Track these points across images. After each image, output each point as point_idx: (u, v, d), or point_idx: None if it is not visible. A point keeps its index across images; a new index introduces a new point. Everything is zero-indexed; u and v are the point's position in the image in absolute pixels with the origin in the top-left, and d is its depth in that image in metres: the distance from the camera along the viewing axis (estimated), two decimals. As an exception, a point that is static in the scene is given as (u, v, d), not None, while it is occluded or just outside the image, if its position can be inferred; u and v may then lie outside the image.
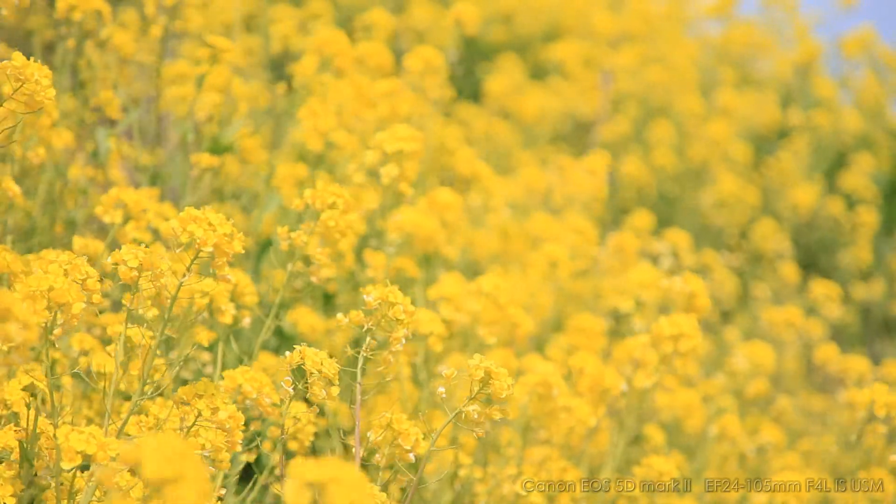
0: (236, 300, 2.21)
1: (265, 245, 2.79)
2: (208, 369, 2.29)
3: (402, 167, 2.07)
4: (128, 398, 2.02)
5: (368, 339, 1.93)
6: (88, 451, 1.47)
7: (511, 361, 2.37)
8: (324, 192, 1.94)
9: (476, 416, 1.95)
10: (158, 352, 1.81)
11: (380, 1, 4.42)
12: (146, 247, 1.74)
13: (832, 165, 5.50)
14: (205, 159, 2.78)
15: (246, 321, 2.18)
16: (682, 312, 2.43)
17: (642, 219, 4.18)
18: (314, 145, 2.54)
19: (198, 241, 1.68)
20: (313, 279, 2.07)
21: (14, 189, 2.33)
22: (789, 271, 4.65)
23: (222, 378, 1.95)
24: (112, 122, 2.93)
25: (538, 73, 5.12)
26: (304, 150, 2.70)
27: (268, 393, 1.96)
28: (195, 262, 1.70)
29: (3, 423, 1.78)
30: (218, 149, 2.83)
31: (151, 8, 2.80)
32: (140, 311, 1.83)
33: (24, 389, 1.75)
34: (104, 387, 1.85)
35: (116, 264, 1.70)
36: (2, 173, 2.35)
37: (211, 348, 2.25)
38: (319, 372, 1.84)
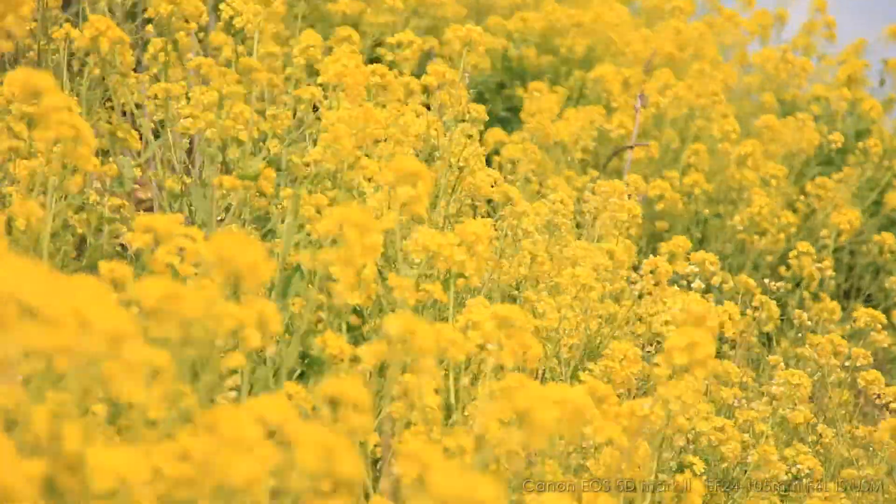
0: (262, 327, 2.17)
1: (292, 272, 2.75)
2: (231, 394, 2.24)
3: (416, 188, 2.03)
4: (154, 424, 1.97)
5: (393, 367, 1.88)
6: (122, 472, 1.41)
7: (534, 387, 2.31)
8: (342, 213, 1.89)
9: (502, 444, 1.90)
10: (184, 378, 1.77)
11: (413, 23, 4.42)
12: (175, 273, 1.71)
13: (876, 189, 5.42)
14: (227, 183, 2.75)
15: (271, 349, 2.14)
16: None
17: (677, 242, 4.13)
18: (330, 167, 2.51)
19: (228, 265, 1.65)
20: (337, 301, 2.02)
21: (37, 213, 2.30)
22: (832, 297, 4.57)
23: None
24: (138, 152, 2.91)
25: (575, 95, 5.09)
26: (323, 173, 2.67)
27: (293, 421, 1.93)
28: (223, 287, 1.67)
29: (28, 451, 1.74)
30: (245, 177, 2.80)
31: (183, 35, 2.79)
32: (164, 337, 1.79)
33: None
34: (130, 413, 1.81)
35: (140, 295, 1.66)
36: (28, 197, 2.32)
37: (234, 372, 2.21)
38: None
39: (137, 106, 2.92)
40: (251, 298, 1.68)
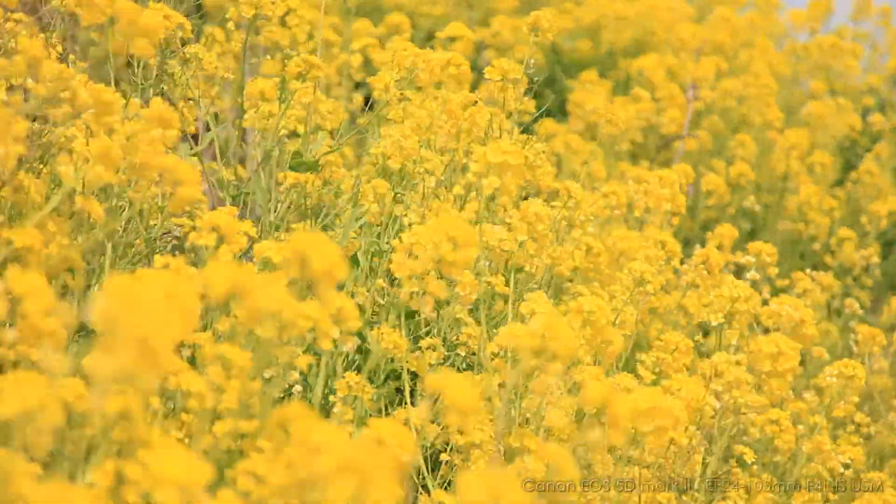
0: (340, 324, 2.19)
1: (349, 263, 2.77)
2: (297, 388, 2.28)
3: (503, 180, 2.03)
4: (218, 418, 1.99)
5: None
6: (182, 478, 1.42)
7: (603, 379, 2.33)
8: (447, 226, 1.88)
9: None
10: (253, 373, 1.79)
11: (465, 15, 4.42)
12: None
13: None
14: (290, 177, 2.77)
15: (349, 345, 2.16)
16: (787, 338, 2.37)
17: (725, 232, 4.13)
18: (395, 160, 2.52)
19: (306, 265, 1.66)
20: (425, 311, 2.03)
21: (97, 210, 2.33)
22: (878, 284, 4.56)
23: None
24: (194, 139, 2.93)
25: (623, 86, 5.09)
26: (385, 165, 2.68)
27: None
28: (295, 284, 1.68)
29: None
30: (302, 166, 2.82)
31: (232, 24, 2.80)
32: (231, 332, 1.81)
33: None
34: (193, 408, 1.83)
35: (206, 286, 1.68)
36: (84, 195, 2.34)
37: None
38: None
39: (190, 99, 2.94)
40: (328, 294, 1.69)
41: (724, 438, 2.49)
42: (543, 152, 2.69)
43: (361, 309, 2.67)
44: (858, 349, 3.79)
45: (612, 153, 4.48)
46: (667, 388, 2.39)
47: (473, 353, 2.55)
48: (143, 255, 2.67)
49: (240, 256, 2.67)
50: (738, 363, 2.39)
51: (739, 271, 3.70)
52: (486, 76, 2.83)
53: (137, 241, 2.67)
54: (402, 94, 2.79)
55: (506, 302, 2.50)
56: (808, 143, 5.01)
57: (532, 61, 2.83)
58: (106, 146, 1.90)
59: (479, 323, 2.53)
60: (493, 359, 2.17)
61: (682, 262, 3.40)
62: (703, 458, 2.54)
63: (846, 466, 3.02)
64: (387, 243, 2.65)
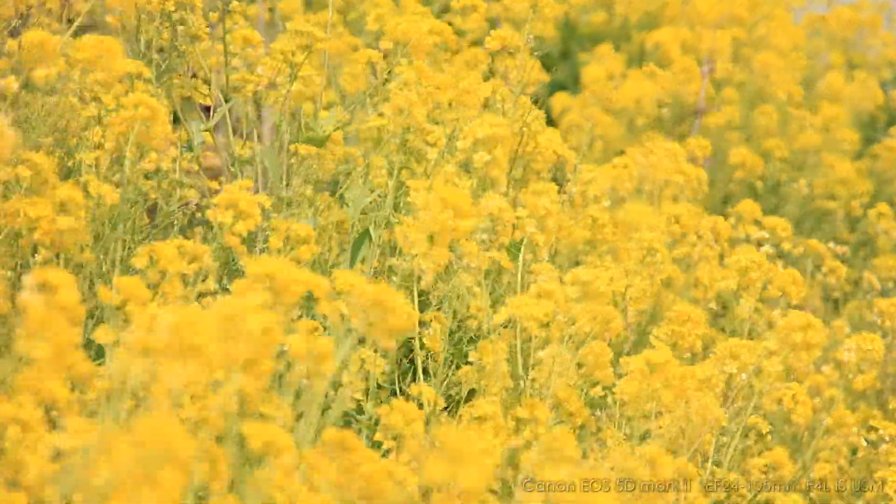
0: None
1: (361, 237, 2.77)
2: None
3: (492, 153, 2.04)
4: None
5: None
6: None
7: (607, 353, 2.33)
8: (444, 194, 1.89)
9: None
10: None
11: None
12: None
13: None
14: (303, 150, 2.77)
15: (356, 321, 2.16)
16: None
17: (745, 206, 4.11)
18: (396, 126, 2.52)
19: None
20: (425, 282, 2.04)
21: (104, 191, 2.33)
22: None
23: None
24: (206, 112, 2.93)
25: (638, 60, 5.06)
26: (386, 139, 2.68)
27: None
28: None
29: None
30: (314, 139, 2.81)
31: None
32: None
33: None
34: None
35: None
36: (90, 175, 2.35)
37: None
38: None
39: (199, 76, 2.93)
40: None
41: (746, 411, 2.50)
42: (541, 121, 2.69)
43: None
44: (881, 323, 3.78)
45: (627, 127, 4.46)
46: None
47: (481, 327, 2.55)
48: (160, 227, 2.69)
49: (256, 229, 2.68)
50: (760, 340, 2.40)
51: (756, 246, 3.68)
52: (486, 45, 2.83)
53: (157, 214, 2.69)
54: (398, 63, 2.78)
55: (513, 275, 2.50)
56: (833, 117, 4.98)
57: (531, 36, 2.83)
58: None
59: (488, 294, 2.53)
60: (498, 331, 2.18)
61: (700, 237, 3.39)
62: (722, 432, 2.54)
63: (870, 442, 3.01)
64: (396, 217, 2.65)
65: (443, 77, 2.58)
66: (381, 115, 2.64)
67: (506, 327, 2.36)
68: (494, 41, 2.86)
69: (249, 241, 2.59)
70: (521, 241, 2.43)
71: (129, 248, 2.36)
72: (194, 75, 2.82)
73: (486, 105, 2.73)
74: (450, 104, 2.60)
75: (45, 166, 2.22)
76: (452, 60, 2.76)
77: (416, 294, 2.56)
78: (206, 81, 2.91)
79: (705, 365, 2.53)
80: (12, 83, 2.07)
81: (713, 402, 2.38)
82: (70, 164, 2.44)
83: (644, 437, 2.42)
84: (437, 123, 2.55)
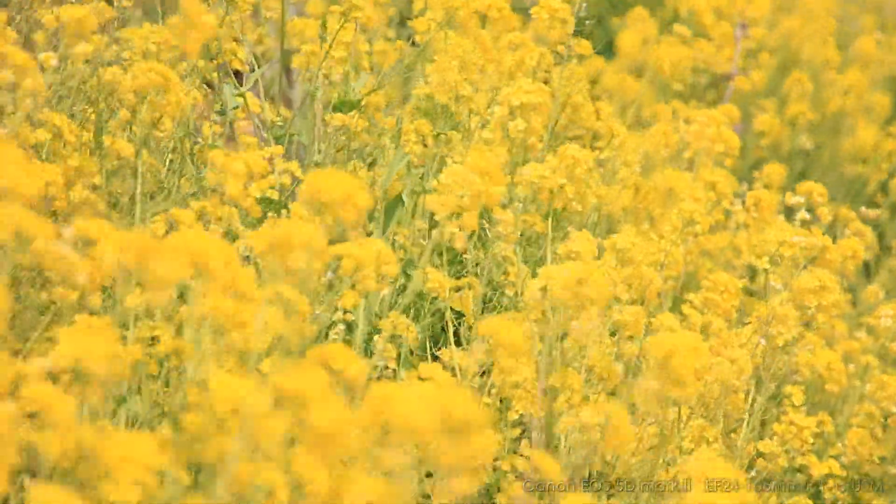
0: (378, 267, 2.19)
1: (394, 203, 2.76)
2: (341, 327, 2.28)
3: (529, 121, 2.02)
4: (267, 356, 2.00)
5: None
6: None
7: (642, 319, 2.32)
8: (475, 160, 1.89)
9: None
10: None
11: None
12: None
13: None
14: (336, 118, 2.77)
15: (385, 290, 2.17)
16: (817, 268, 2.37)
17: (777, 173, 4.08)
18: (442, 99, 2.51)
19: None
20: (458, 246, 2.03)
21: (129, 151, 2.33)
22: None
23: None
24: (238, 79, 2.93)
25: (670, 25, 5.03)
26: (429, 106, 2.66)
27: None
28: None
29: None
30: (346, 106, 2.81)
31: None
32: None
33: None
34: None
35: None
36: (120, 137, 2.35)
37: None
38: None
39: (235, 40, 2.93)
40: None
41: (770, 378, 2.49)
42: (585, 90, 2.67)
43: (405, 250, 2.67)
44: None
45: (661, 93, 4.43)
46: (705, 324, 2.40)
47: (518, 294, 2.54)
48: (182, 196, 2.68)
49: (287, 196, 2.68)
50: (782, 303, 2.38)
51: (791, 213, 3.66)
52: (533, 15, 2.80)
53: (184, 181, 2.68)
54: (444, 34, 2.77)
55: (550, 242, 2.49)
56: (865, 82, 4.94)
57: (584, 5, 2.81)
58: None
59: (524, 262, 2.53)
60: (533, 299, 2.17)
61: (732, 204, 3.38)
62: (752, 399, 2.54)
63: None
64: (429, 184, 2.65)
65: (486, 45, 2.56)
66: (427, 83, 2.63)
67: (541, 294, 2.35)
68: (543, 10, 2.83)
69: (279, 206, 2.60)
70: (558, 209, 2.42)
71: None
72: (235, 40, 2.82)
73: (534, 75, 2.72)
74: (500, 73, 2.58)
75: (66, 129, 2.23)
76: (493, 28, 2.74)
77: (446, 260, 2.56)
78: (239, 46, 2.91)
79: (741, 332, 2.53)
80: (51, 58, 2.08)
81: (745, 361, 2.38)
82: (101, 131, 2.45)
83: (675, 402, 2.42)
84: (477, 91, 2.54)
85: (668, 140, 3.32)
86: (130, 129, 2.37)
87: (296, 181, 2.65)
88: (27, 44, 2.48)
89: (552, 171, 2.31)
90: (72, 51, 2.03)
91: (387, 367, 2.12)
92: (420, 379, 1.88)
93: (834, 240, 3.08)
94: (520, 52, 2.78)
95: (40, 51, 2.18)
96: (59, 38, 2.10)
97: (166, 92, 2.26)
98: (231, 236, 2.18)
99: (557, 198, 2.35)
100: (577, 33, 2.89)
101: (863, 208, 4.24)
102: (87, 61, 2.19)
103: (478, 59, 2.53)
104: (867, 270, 4.27)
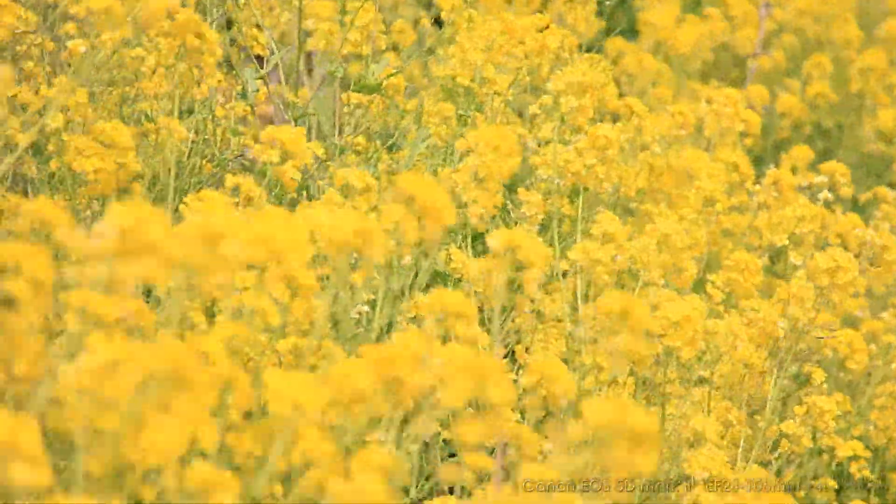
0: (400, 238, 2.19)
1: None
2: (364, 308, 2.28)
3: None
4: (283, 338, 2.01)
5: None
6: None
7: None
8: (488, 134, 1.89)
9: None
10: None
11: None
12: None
13: None
14: (356, 98, 2.76)
15: (407, 259, 2.16)
16: (871, 266, 2.37)
17: (799, 153, 4.07)
18: (464, 81, 2.50)
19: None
20: (473, 220, 2.03)
21: (180, 130, 2.34)
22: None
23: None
24: (259, 61, 2.93)
25: (693, 4, 5.00)
26: (451, 87, 2.66)
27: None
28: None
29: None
30: (366, 87, 2.80)
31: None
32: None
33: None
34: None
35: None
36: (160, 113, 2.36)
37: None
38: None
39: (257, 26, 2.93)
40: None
41: (792, 359, 2.49)
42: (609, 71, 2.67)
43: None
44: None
45: (683, 73, 4.42)
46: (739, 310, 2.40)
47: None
48: (215, 176, 2.69)
49: (308, 177, 2.68)
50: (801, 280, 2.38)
51: (814, 192, 3.65)
52: None
53: (206, 162, 2.69)
54: (468, 14, 2.76)
55: (573, 223, 2.49)
56: (886, 62, 4.90)
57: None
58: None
59: (548, 244, 2.52)
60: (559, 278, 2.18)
61: (755, 184, 3.37)
62: (775, 380, 2.53)
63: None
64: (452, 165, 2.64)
65: (512, 27, 2.56)
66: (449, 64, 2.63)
67: (566, 276, 2.35)
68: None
69: (302, 188, 2.60)
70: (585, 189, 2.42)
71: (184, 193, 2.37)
72: (257, 26, 2.83)
73: (557, 57, 2.71)
74: (523, 54, 2.58)
75: (86, 108, 2.25)
76: (512, 6, 2.74)
77: (470, 240, 2.56)
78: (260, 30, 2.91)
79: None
80: (79, 46, 2.10)
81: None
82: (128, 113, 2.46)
83: (700, 382, 2.42)
84: (499, 72, 2.54)
85: (688, 120, 3.31)
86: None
87: (318, 161, 2.64)
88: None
89: (582, 152, 2.30)
90: (100, 40, 2.04)
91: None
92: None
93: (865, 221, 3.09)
94: (543, 34, 2.77)
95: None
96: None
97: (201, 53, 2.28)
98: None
99: (587, 178, 2.34)
100: (599, 14, 2.88)
101: (886, 186, 4.21)
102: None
103: (504, 42, 2.53)
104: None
